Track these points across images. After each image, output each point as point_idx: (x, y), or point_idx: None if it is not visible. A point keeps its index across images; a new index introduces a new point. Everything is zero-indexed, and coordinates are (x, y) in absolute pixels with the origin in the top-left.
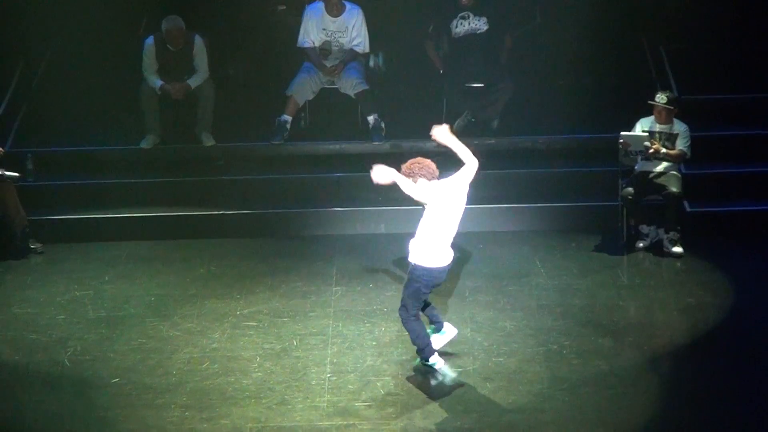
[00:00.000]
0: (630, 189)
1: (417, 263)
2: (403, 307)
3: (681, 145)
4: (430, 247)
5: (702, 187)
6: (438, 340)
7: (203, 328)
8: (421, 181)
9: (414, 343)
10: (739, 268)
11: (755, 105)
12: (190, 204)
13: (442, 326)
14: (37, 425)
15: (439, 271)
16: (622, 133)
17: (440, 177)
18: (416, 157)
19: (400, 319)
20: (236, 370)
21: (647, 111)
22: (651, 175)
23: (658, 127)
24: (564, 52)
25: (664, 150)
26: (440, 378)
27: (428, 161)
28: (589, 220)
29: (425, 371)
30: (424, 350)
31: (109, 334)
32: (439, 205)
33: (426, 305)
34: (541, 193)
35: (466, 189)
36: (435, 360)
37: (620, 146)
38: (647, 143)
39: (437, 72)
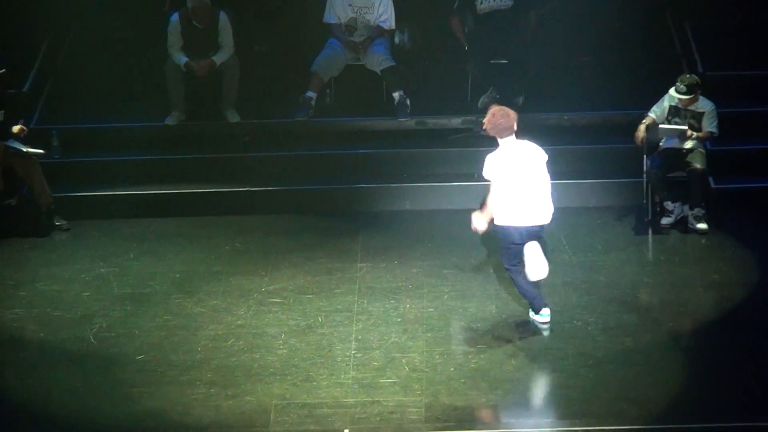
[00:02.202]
0: (655, 165)
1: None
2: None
3: (708, 125)
4: (502, 206)
5: (727, 164)
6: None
7: (228, 304)
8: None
9: (523, 297)
10: (765, 245)
11: None
12: (214, 180)
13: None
14: (62, 402)
15: (513, 229)
16: (661, 126)
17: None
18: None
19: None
20: (261, 347)
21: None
22: (676, 152)
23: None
24: (589, 28)
25: (694, 134)
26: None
27: (504, 112)
28: (613, 196)
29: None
30: (532, 303)
31: (134, 310)
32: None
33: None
34: (566, 170)
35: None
36: (546, 313)
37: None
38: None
39: (462, 48)
